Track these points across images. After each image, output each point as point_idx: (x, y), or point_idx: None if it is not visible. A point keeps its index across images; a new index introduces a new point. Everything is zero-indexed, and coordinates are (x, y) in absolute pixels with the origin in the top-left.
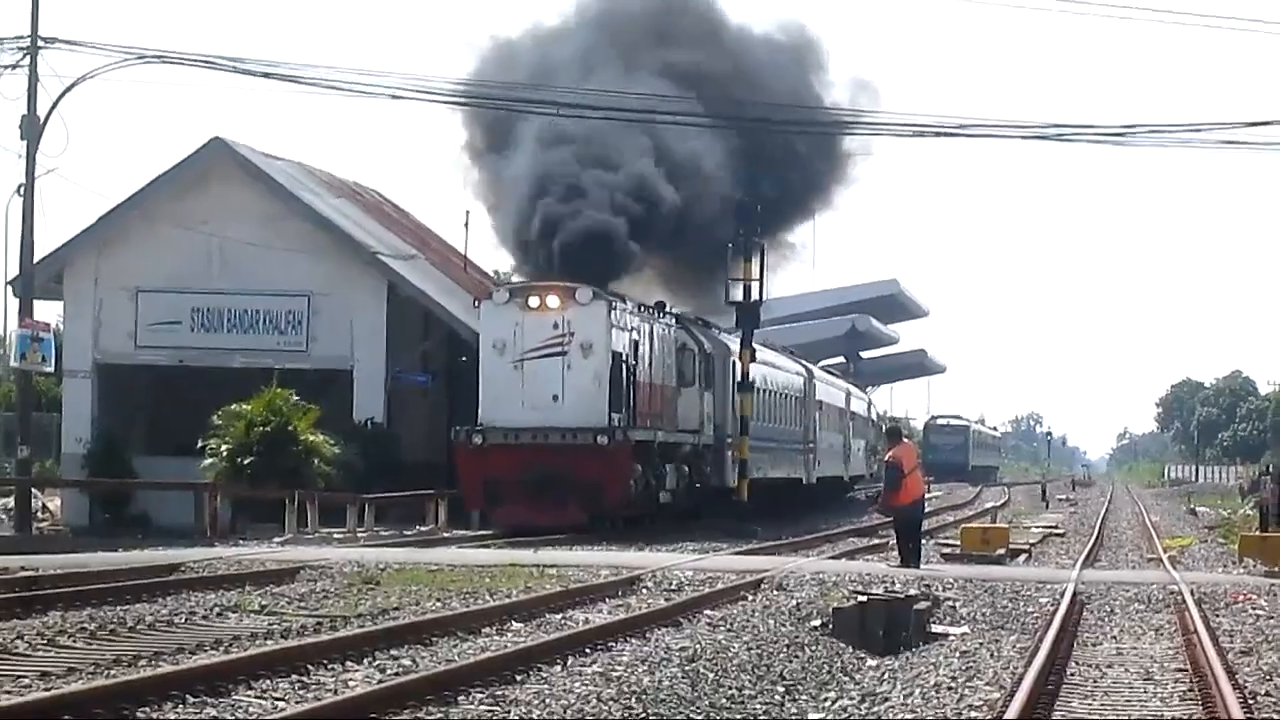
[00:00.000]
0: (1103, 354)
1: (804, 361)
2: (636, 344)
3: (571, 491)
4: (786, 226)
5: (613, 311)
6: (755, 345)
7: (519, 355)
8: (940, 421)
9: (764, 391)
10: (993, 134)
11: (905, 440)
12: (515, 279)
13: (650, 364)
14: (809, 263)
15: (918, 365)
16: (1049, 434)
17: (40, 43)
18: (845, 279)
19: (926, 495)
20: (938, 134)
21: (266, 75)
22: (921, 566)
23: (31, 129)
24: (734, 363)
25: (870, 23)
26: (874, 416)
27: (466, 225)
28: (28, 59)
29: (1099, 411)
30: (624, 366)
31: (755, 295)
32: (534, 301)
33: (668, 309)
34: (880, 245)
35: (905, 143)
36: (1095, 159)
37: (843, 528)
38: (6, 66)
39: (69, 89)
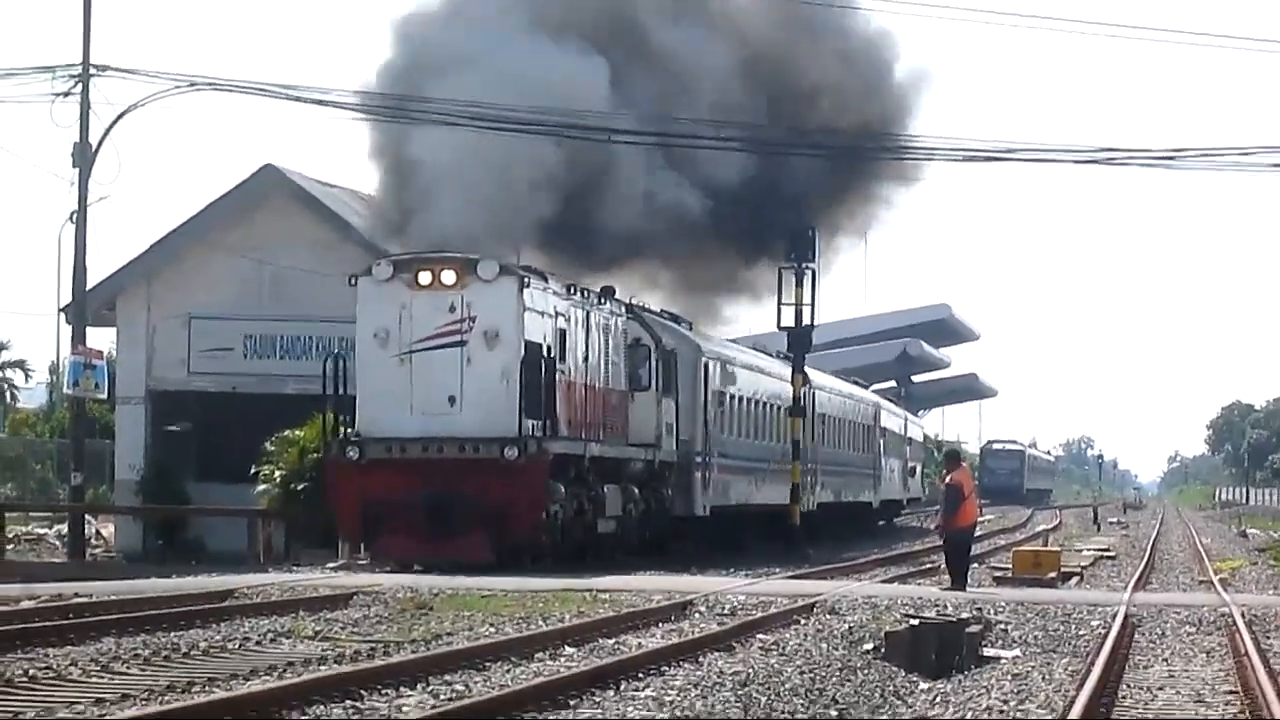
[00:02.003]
0: (1153, 377)
1: (870, 390)
2: (564, 334)
3: (472, 518)
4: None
5: (527, 290)
6: (819, 372)
7: (406, 346)
8: (996, 446)
9: (833, 419)
10: (1043, 158)
11: (964, 464)
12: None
13: (586, 360)
14: (858, 284)
15: (969, 389)
16: (1100, 457)
17: (92, 70)
18: (895, 303)
19: (979, 519)
20: (988, 158)
21: (319, 102)
22: (972, 589)
23: (84, 157)
24: (707, 365)
25: (917, 49)
26: (924, 440)
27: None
28: (80, 87)
29: (1150, 434)
30: (543, 361)
31: (806, 320)
32: (424, 278)
33: (614, 295)
34: (931, 269)
35: (955, 168)
36: (1145, 182)
37: (895, 550)
38: (59, 94)
39: (121, 116)
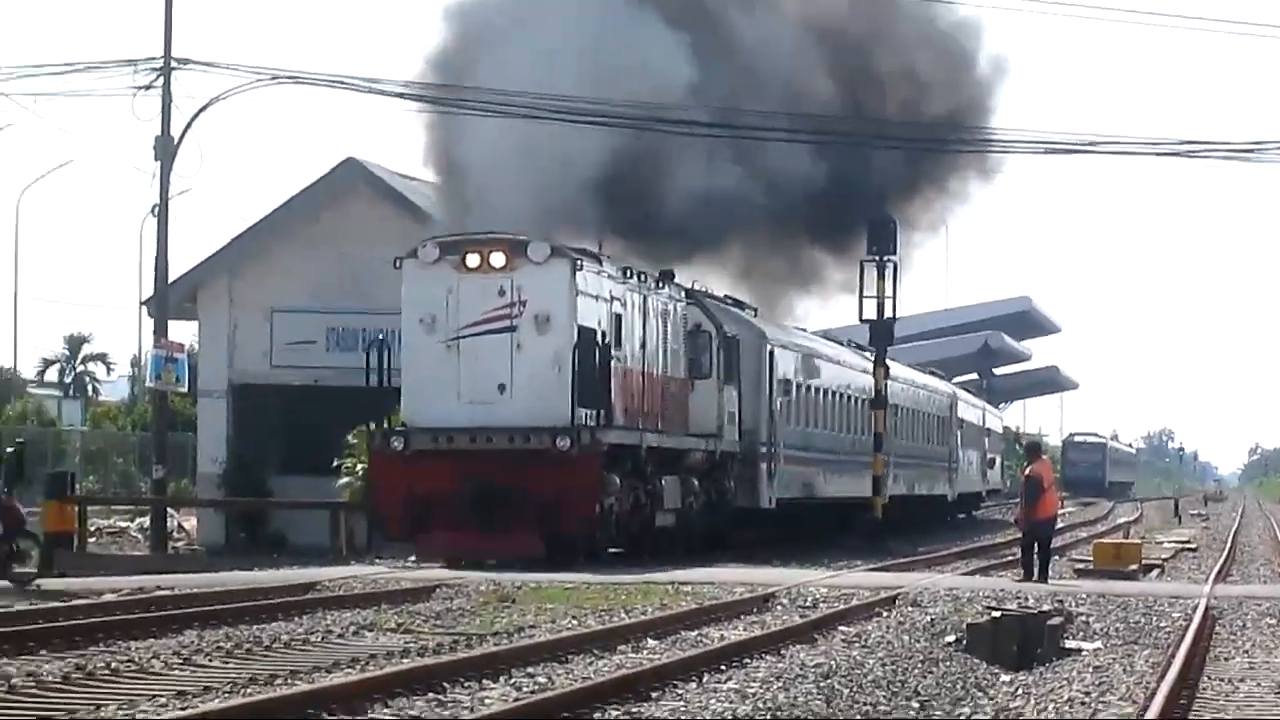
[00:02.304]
0: (1234, 368)
1: (947, 381)
2: (619, 319)
3: (521, 511)
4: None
5: (580, 273)
6: (898, 364)
7: (453, 332)
8: (1078, 438)
9: (905, 410)
10: (1124, 150)
11: (1044, 457)
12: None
13: (643, 347)
14: (939, 276)
15: (1050, 381)
16: (1180, 450)
17: (174, 64)
18: (976, 296)
19: (1060, 511)
20: (1069, 151)
21: (401, 95)
22: (1054, 582)
23: (165, 150)
24: (772, 353)
25: (998, 38)
26: (1005, 432)
27: (600, 244)
28: (161, 80)
29: (1230, 426)
30: (597, 347)
31: (888, 312)
32: (473, 260)
33: (674, 279)
34: (1011, 261)
35: (1036, 160)
36: (1226, 174)
37: (975, 543)
38: (141, 88)
39: (202, 110)
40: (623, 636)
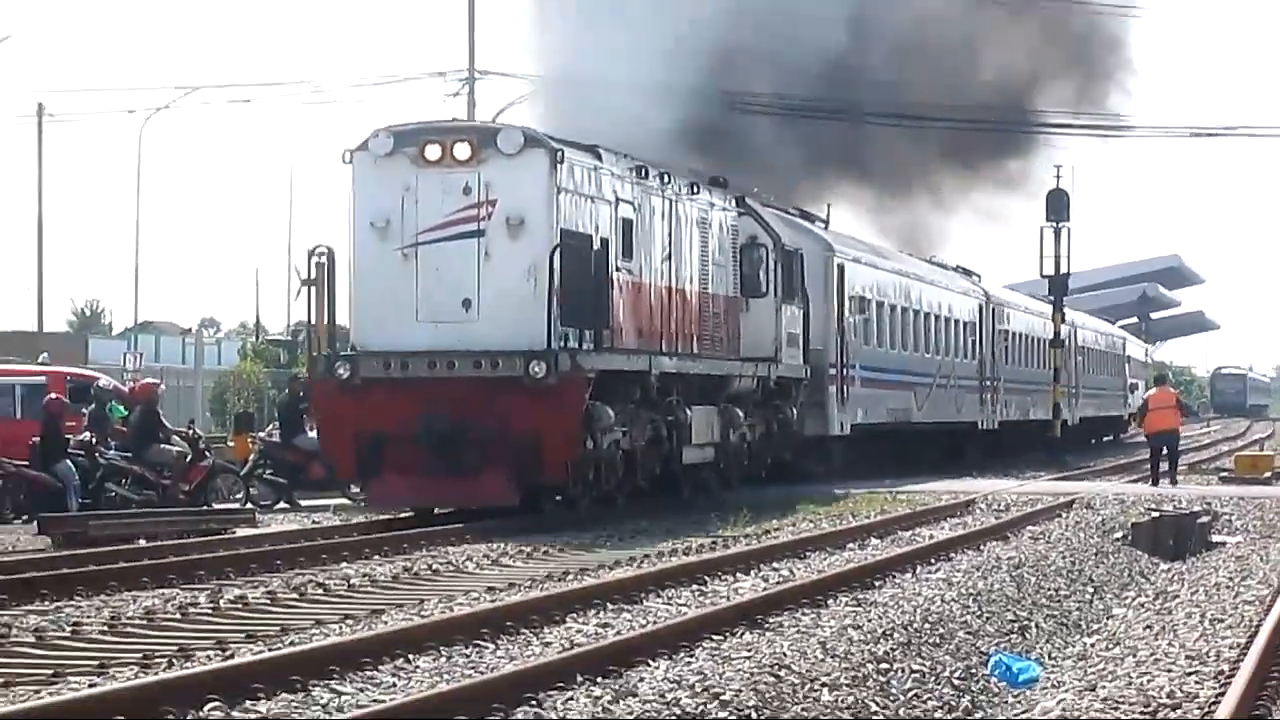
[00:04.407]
0: None
1: (1121, 331)
2: (629, 225)
3: (490, 451)
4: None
5: (562, 166)
6: (1079, 312)
7: (410, 238)
8: (1224, 370)
9: (1087, 349)
10: (1263, 134)
11: (1162, 386)
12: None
13: (669, 259)
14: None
15: (1196, 324)
16: None
17: (476, 74)
18: (1137, 253)
19: (1180, 430)
20: (1210, 135)
21: None
22: (1200, 487)
23: None
24: (842, 268)
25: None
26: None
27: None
28: (467, 88)
29: None
30: (591, 256)
31: (1063, 269)
32: (433, 152)
33: (726, 185)
34: (1166, 220)
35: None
36: None
37: (1139, 456)
38: (449, 95)
39: (500, 113)
40: (851, 537)
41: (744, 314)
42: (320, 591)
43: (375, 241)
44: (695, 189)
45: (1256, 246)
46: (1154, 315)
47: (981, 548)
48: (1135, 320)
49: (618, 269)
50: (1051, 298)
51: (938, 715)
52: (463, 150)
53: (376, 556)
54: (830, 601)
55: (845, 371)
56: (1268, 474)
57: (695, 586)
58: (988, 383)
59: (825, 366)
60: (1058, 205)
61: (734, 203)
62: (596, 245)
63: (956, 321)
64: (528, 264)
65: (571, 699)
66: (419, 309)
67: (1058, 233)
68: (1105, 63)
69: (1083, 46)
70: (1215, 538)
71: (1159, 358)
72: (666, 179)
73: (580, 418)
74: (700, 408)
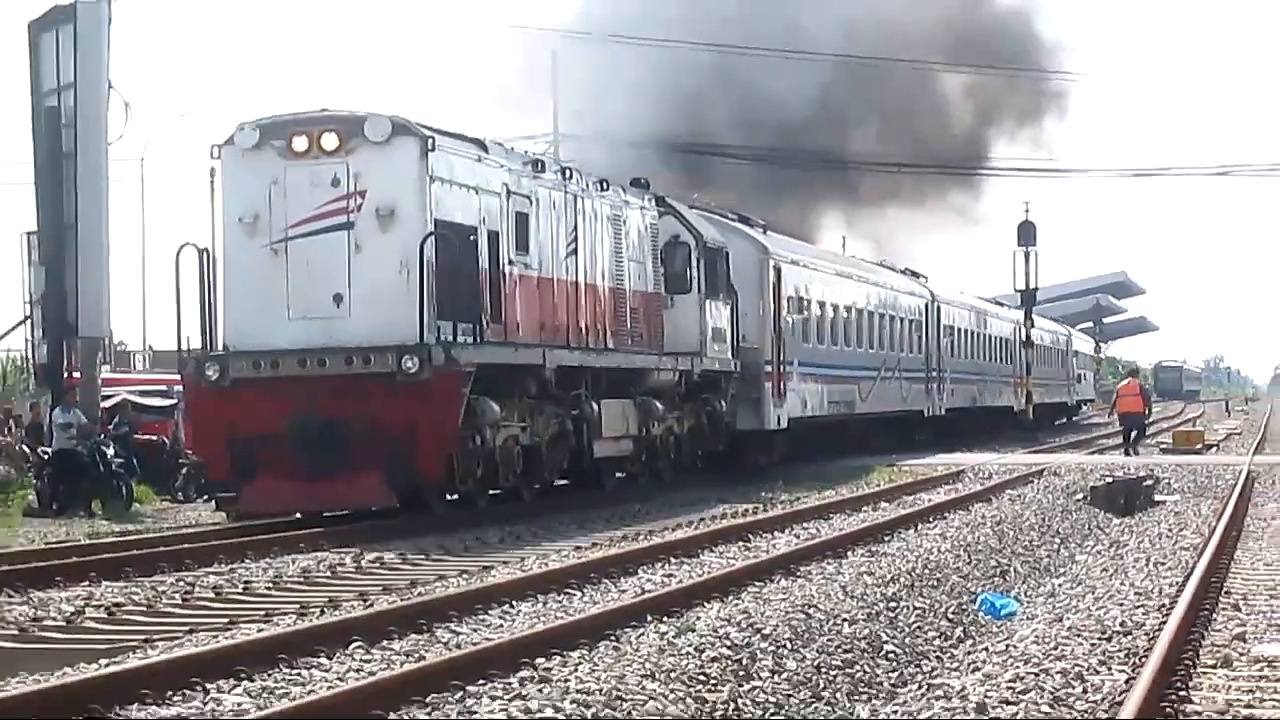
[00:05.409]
0: (1265, 303)
1: (1065, 329)
2: (524, 217)
3: (365, 451)
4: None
5: (433, 154)
6: (1041, 318)
7: (279, 234)
8: (1165, 363)
9: (1042, 347)
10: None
11: (1129, 379)
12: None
13: (574, 254)
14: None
15: (1140, 326)
16: (1228, 368)
17: (560, 136)
18: (1087, 271)
19: (1146, 414)
20: (1148, 175)
21: None
22: (1144, 457)
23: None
24: (779, 269)
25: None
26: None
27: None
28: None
29: (1262, 347)
30: (475, 247)
31: (1032, 285)
32: (300, 144)
33: (648, 187)
34: (1111, 243)
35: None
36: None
37: (1093, 434)
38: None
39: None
40: (866, 502)
41: (668, 310)
42: (441, 552)
43: (244, 238)
44: (604, 186)
45: (1188, 262)
46: (1106, 320)
47: (970, 508)
48: (1091, 324)
49: (511, 262)
50: (1021, 306)
51: (936, 643)
52: (330, 140)
53: (486, 524)
54: (849, 553)
55: (782, 368)
56: (1199, 446)
57: (741, 543)
58: (934, 373)
59: (760, 363)
60: (1026, 234)
61: (654, 202)
62: (483, 237)
63: (902, 319)
64: (400, 256)
65: (643, 634)
66: (290, 306)
67: (1027, 256)
68: (1051, 114)
69: (1032, 102)
70: (1158, 497)
71: (1111, 354)
72: (569, 174)
73: (457, 413)
74: (612, 401)
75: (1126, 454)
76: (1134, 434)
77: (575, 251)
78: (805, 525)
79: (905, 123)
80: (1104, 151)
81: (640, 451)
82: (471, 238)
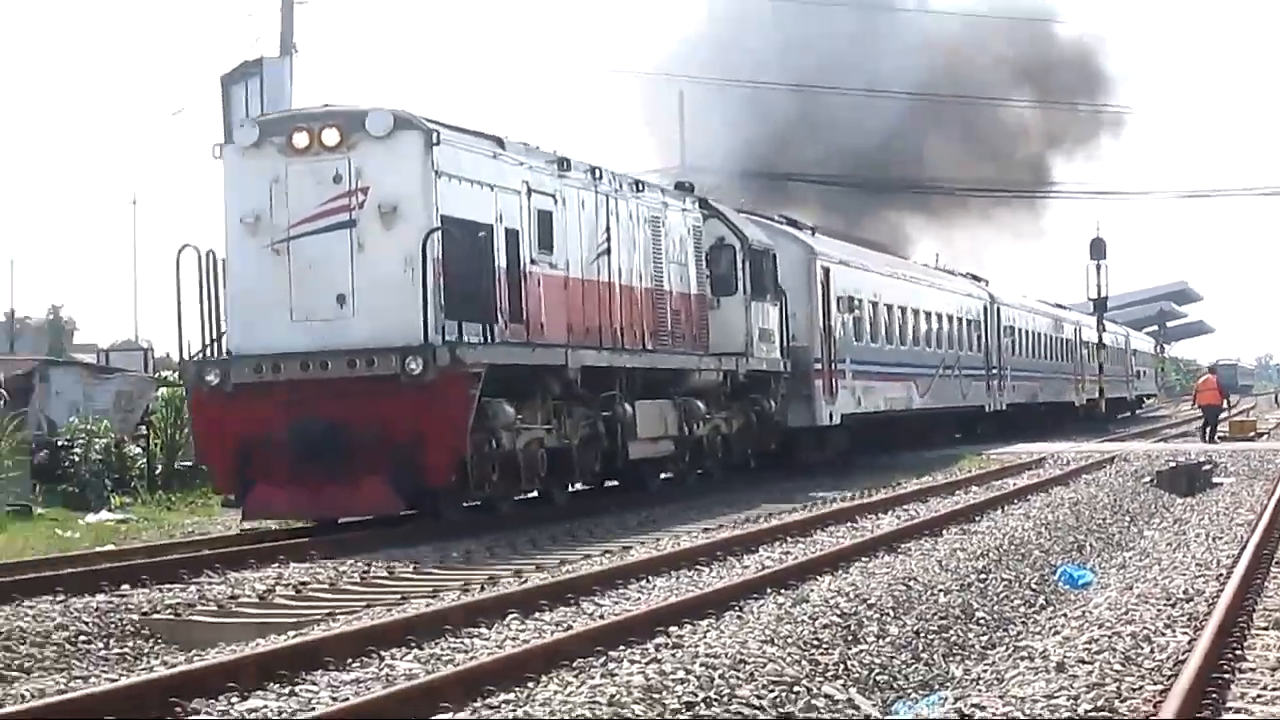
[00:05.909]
0: None
1: (1125, 329)
2: (548, 216)
3: (369, 456)
4: None
5: (438, 148)
6: (1112, 323)
7: (281, 233)
8: (1222, 361)
9: (1111, 349)
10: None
11: (1209, 375)
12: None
13: (606, 254)
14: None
15: (1199, 330)
16: (1278, 364)
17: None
18: (1152, 280)
19: (1222, 406)
20: (1203, 196)
21: None
22: (1208, 444)
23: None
24: (827, 270)
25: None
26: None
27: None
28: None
29: None
30: (490, 244)
31: (1103, 293)
32: (300, 140)
33: (692, 190)
34: (1174, 254)
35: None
36: None
37: (1159, 425)
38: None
39: None
40: (959, 486)
41: (714, 312)
42: (585, 532)
43: (246, 238)
44: (640, 187)
45: (1242, 270)
46: (1169, 324)
47: (1049, 490)
48: (1155, 329)
49: (534, 261)
50: (1094, 313)
51: (1021, 610)
52: (331, 136)
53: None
54: (944, 531)
55: (833, 366)
56: (1252, 434)
57: (849, 523)
58: (994, 371)
59: (810, 362)
60: (1098, 249)
61: (697, 205)
62: (500, 235)
63: (961, 319)
64: (403, 254)
65: (763, 604)
66: (293, 308)
67: (1098, 268)
68: (1109, 138)
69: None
70: (1216, 480)
71: (1173, 355)
72: (598, 174)
73: (465, 416)
74: (648, 402)
75: (1207, 439)
76: (1212, 422)
77: (608, 252)
78: (905, 507)
79: (975, 148)
80: (1166, 173)
81: (684, 452)
82: (484, 235)
